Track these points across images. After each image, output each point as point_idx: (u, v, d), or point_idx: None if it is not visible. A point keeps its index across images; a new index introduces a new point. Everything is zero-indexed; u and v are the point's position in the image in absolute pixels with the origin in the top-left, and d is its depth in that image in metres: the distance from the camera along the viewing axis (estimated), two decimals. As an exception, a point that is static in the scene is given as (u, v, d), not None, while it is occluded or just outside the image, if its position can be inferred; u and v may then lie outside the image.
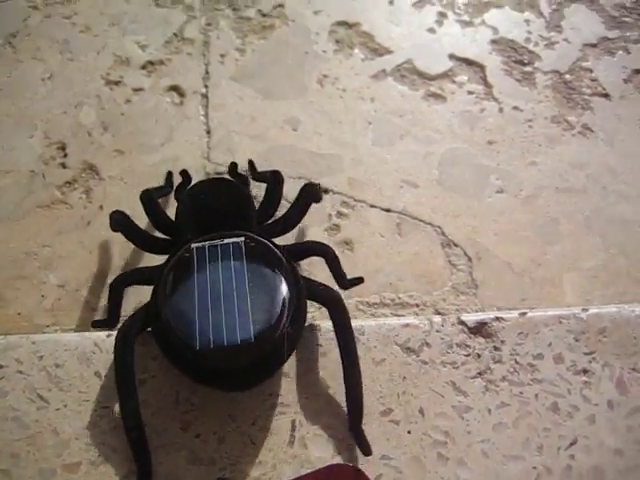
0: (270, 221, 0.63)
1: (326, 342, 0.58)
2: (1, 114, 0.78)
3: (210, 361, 0.49)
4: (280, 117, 0.80)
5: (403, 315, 0.69)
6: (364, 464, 0.53)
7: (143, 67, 0.84)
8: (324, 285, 0.56)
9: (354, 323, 0.55)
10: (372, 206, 0.75)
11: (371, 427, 0.54)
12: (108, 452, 0.53)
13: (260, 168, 0.74)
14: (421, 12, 0.90)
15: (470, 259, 0.72)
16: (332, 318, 0.54)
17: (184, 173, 0.71)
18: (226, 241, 0.54)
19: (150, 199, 0.64)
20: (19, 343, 0.57)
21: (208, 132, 0.78)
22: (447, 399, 0.56)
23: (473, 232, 0.74)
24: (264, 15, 0.89)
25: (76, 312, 0.67)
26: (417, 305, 0.69)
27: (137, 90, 0.81)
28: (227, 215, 0.60)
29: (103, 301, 0.68)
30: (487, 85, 0.85)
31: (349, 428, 0.54)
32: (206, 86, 0.82)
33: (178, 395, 0.55)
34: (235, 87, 0.82)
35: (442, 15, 0.90)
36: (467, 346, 0.59)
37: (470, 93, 0.84)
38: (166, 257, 0.57)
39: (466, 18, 0.90)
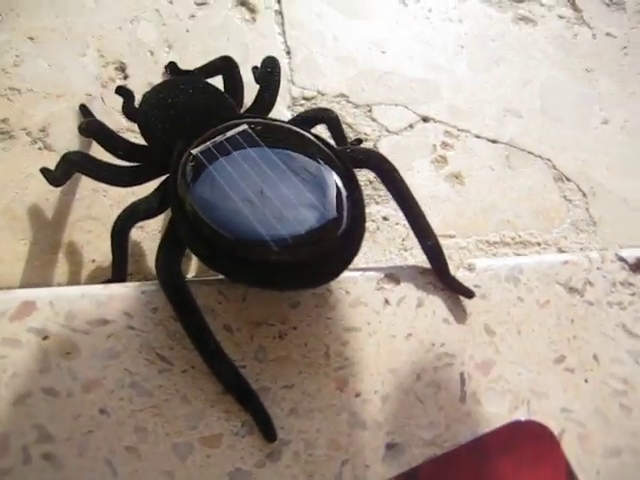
0: (248, 107, 0.55)
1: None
2: (45, 29, 0.64)
3: (294, 257, 0.41)
4: (365, 38, 0.70)
5: (526, 255, 0.62)
6: (544, 418, 0.46)
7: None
8: (356, 148, 0.51)
9: (504, 261, 0.50)
10: (477, 136, 0.67)
11: (546, 376, 0.48)
12: (253, 419, 0.44)
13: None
14: None
15: (585, 194, 0.66)
16: (382, 178, 0.48)
17: (122, 89, 0.57)
18: (229, 134, 0.45)
19: (98, 126, 0.52)
20: (126, 293, 0.47)
21: (288, 53, 0.67)
22: (620, 343, 0.50)
23: (584, 165, 0.67)
24: None
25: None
26: (539, 244, 0.62)
27: (200, 4, 0.69)
28: (209, 110, 0.50)
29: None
30: (576, 9, 0.78)
31: (440, 280, 0.49)
32: (279, 2, 0.71)
33: (328, 349, 0.47)
34: (312, 3, 0.71)
35: None
36: (630, 284, 0.53)
37: (560, 17, 0.77)
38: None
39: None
